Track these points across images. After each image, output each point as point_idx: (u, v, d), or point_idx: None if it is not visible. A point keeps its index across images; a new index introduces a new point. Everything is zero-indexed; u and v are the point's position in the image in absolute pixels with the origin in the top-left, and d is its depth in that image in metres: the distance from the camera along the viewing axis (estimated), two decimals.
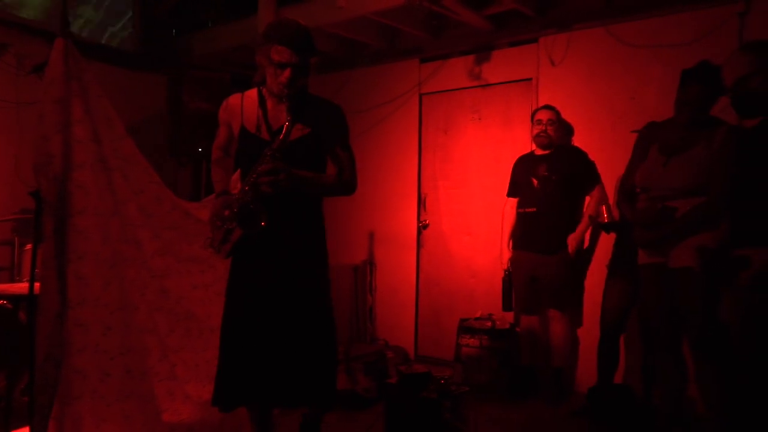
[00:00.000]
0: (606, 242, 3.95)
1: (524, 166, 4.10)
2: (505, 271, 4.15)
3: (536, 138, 4.01)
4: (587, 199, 4.03)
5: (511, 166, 4.23)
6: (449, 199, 4.94)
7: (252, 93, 2.39)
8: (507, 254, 4.16)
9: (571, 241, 3.89)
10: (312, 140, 2.29)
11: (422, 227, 5.04)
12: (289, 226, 2.30)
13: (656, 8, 3.89)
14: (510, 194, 4.21)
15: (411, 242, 5.07)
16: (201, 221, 2.91)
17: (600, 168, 4.05)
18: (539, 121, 3.98)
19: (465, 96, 4.83)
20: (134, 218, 2.65)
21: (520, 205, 4.08)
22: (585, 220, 3.94)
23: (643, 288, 3.05)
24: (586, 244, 4.10)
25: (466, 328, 4.28)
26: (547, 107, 4.03)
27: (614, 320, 3.67)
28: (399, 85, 5.14)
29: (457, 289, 4.84)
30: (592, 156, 4.06)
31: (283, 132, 2.19)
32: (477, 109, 4.78)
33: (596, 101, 4.15)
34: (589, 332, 4.00)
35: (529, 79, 4.48)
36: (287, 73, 2.20)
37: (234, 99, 2.42)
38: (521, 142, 4.48)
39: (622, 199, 3.11)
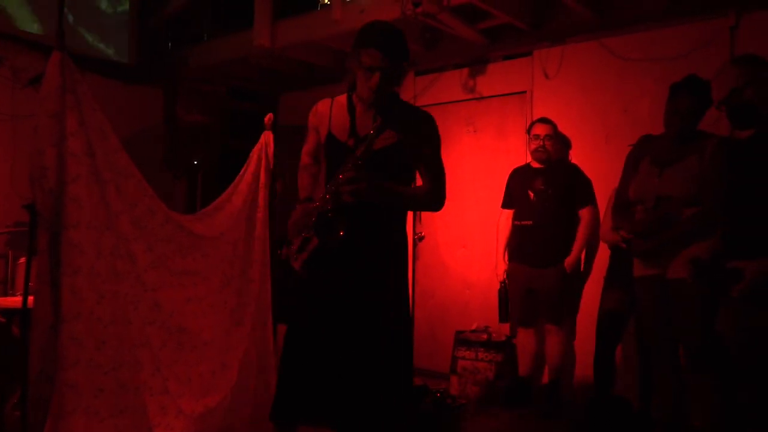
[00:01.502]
0: (603, 254, 3.95)
1: (520, 179, 4.11)
2: (501, 282, 4.15)
3: (534, 153, 4.02)
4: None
5: (506, 178, 4.24)
6: (445, 212, 4.88)
7: (342, 98, 2.31)
8: (503, 266, 4.16)
9: (568, 264, 3.89)
10: (400, 149, 2.18)
11: (418, 239, 5.04)
12: (369, 238, 2.18)
13: (648, 22, 3.93)
14: (505, 206, 4.21)
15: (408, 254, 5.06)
16: (194, 234, 2.91)
17: (594, 181, 4.06)
18: (537, 136, 4.00)
19: (460, 108, 4.85)
20: (128, 232, 2.64)
21: (516, 218, 4.08)
22: (579, 242, 3.92)
23: (639, 300, 3.05)
24: (583, 263, 4.10)
25: (462, 340, 4.27)
26: (544, 120, 4.04)
27: (610, 331, 3.66)
28: None
29: (453, 302, 4.83)
30: (586, 168, 4.08)
31: (368, 140, 2.11)
32: (472, 122, 4.80)
33: (590, 114, 4.18)
34: (587, 344, 3.99)
35: (524, 92, 4.51)
36: (376, 77, 2.10)
37: (323, 104, 2.35)
38: (516, 154, 4.49)
39: (617, 212, 3.13)
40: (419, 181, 2.31)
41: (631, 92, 4.01)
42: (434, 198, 2.26)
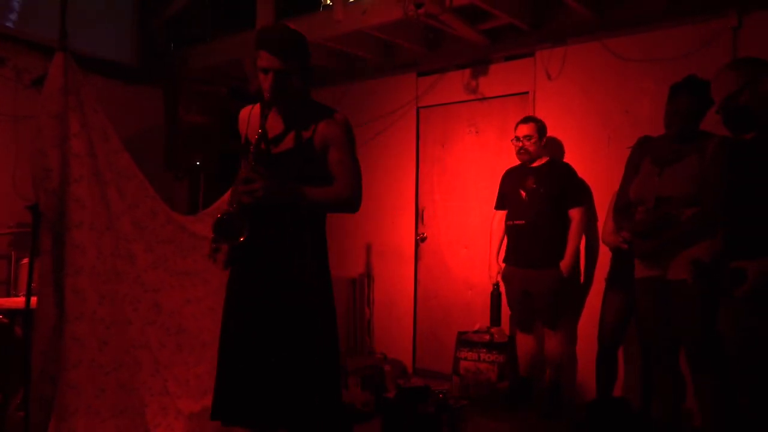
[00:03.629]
0: (604, 255, 3.97)
1: (513, 178, 4.12)
2: (494, 285, 4.16)
3: (518, 155, 4.05)
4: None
5: None
6: (447, 212, 4.96)
7: (258, 105, 2.35)
8: (495, 267, 4.17)
9: (563, 266, 3.88)
10: (306, 150, 2.21)
11: (420, 240, 5.06)
12: (277, 238, 2.22)
13: (649, 22, 3.95)
14: (498, 206, 4.22)
15: (409, 255, 5.09)
16: (196, 235, 2.94)
17: (595, 182, 4.07)
18: (516, 138, 4.02)
19: (462, 109, 4.88)
20: (128, 232, 2.67)
21: (509, 218, 4.09)
22: (571, 244, 3.91)
23: (639, 301, 3.07)
24: (583, 273, 4.10)
25: (464, 341, 4.28)
26: (526, 120, 4.06)
27: (612, 334, 3.68)
28: (396, 99, 5.18)
29: (455, 302, 4.85)
30: (588, 170, 4.09)
31: (255, 139, 2.14)
32: (474, 123, 4.82)
33: (592, 115, 4.20)
34: (588, 345, 4.00)
35: (526, 93, 4.53)
36: (270, 78, 2.15)
37: (244, 111, 2.41)
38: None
39: (618, 213, 3.14)
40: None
41: (632, 93, 4.02)
42: (344, 198, 2.23)
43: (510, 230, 4.07)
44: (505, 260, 4.13)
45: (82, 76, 2.52)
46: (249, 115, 2.36)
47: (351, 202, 2.26)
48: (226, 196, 3.33)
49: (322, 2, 5.21)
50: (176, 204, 5.11)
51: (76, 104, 2.48)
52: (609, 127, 4.12)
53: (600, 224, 4.05)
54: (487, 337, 4.21)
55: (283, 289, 2.22)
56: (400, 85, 5.16)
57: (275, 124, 2.25)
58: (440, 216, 5.00)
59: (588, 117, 4.21)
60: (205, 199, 4.72)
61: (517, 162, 4.17)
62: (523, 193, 3.98)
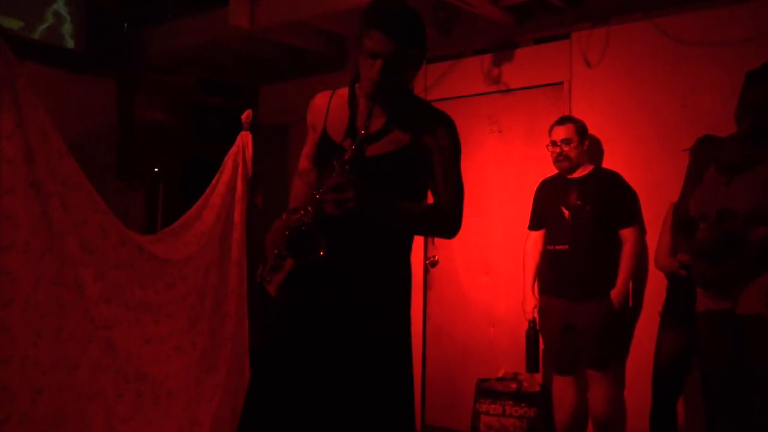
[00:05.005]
0: (658, 284, 3.96)
1: (551, 193, 4.12)
2: (530, 322, 4.14)
3: (556, 163, 4.06)
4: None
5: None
6: (463, 230, 4.84)
7: (344, 91, 2.32)
8: (531, 301, 4.15)
9: (615, 297, 3.89)
10: (406, 157, 2.19)
11: (430, 265, 5.05)
12: (363, 265, 2.17)
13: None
14: (533, 227, 4.23)
15: (416, 283, 5.06)
16: (157, 258, 2.93)
17: (646, 192, 4.07)
18: (553, 143, 4.04)
19: (481, 104, 4.89)
20: (74, 255, 2.67)
21: (548, 241, 4.09)
22: (624, 270, 3.91)
23: (703, 340, 3.06)
24: (631, 296, 4.10)
25: (485, 390, 4.25)
26: (562, 121, 4.07)
27: (669, 378, 3.67)
28: None
29: (474, 342, 4.83)
30: (637, 178, 4.09)
31: (359, 140, 2.11)
32: (496, 120, 4.83)
33: (641, 110, 4.21)
34: (640, 393, 3.98)
35: (560, 83, 4.54)
36: (378, 65, 2.10)
37: (321, 97, 2.36)
38: (550, 160, 4.50)
39: (675, 232, 3.14)
40: (431, 200, 2.31)
41: (691, 83, 4.04)
42: (448, 221, 2.25)
43: (549, 256, 4.07)
44: (541, 291, 4.13)
45: (19, 65, 2.53)
46: (329, 104, 2.32)
47: (452, 225, 2.26)
48: (194, 210, 3.34)
49: None
50: (131, 220, 5.11)
51: (10, 99, 2.48)
52: (662, 125, 4.13)
53: (652, 243, 4.04)
54: (515, 385, 4.18)
55: (357, 334, 2.16)
56: None
57: (372, 122, 2.19)
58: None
59: (636, 113, 4.22)
60: (166, 215, 4.71)
61: (553, 170, 4.17)
62: (566, 212, 3.99)
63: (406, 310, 2.29)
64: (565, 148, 4.00)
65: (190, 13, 5.41)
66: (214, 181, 3.33)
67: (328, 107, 2.31)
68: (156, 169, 4.73)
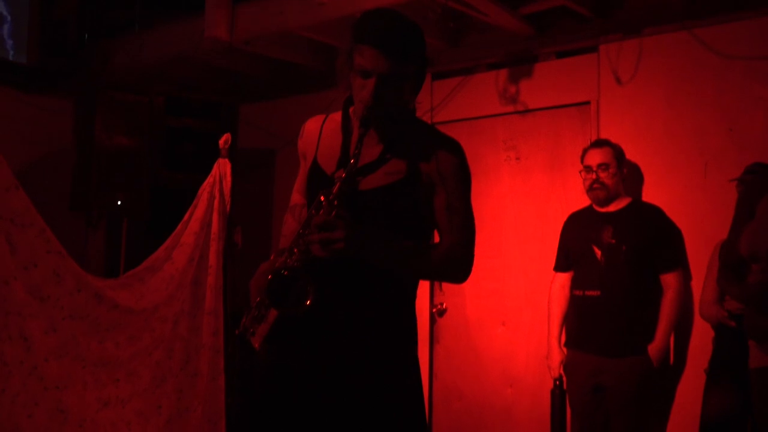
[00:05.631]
0: (703, 337, 3.94)
1: (582, 228, 4.13)
2: (555, 380, 4.12)
3: (589, 192, 4.06)
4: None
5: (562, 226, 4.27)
6: (476, 274, 4.84)
7: (338, 115, 2.35)
8: (558, 356, 4.13)
9: (654, 352, 3.87)
10: (406, 189, 2.19)
11: (437, 314, 5.04)
12: (355, 315, 2.18)
13: (759, 6, 4.01)
14: (560, 268, 4.23)
15: (421, 335, 4.97)
16: (119, 307, 2.92)
17: (689, 230, 4.08)
18: (588, 168, 4.04)
19: (496, 126, 4.92)
20: (21, 304, 2.66)
21: (576, 285, 4.09)
22: (665, 322, 3.90)
23: (757, 401, 3.05)
24: (672, 352, 4.08)
25: None
26: (599, 144, 4.09)
27: None
28: None
29: (490, 405, 4.80)
30: (676, 212, 4.10)
31: (348, 170, 2.11)
32: (513, 145, 4.86)
33: (680, 133, 4.22)
34: None
35: (587, 103, 4.58)
36: (370, 84, 2.12)
37: (312, 123, 2.40)
38: (576, 191, 4.52)
39: (723, 275, 3.13)
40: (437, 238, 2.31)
41: (737, 103, 4.07)
42: (456, 263, 2.25)
43: (578, 303, 4.06)
44: (568, 344, 4.12)
45: None
46: (321, 130, 2.35)
47: (461, 268, 2.27)
48: (162, 250, 3.33)
49: None
50: (90, 261, 5.11)
51: None
52: (706, 150, 4.14)
53: (696, 290, 4.03)
54: None
55: (355, 392, 2.16)
56: None
57: (365, 150, 2.19)
58: (467, 279, 4.97)
59: (675, 137, 4.24)
60: (131, 255, 4.71)
61: (581, 203, 4.17)
62: (598, 251, 3.98)
63: (414, 369, 2.28)
64: (602, 175, 4.01)
65: (159, 23, 5.45)
66: (186, 217, 3.34)
67: (320, 134, 2.33)
68: (119, 202, 4.73)
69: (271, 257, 2.25)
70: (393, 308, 2.24)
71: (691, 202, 4.14)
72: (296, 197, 2.45)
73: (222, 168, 3.43)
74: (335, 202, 2.07)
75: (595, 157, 4.03)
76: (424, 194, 2.22)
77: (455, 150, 2.28)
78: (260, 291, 2.15)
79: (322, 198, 2.10)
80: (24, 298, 2.63)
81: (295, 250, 2.11)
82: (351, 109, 2.30)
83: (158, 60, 5.35)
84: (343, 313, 2.17)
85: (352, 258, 2.08)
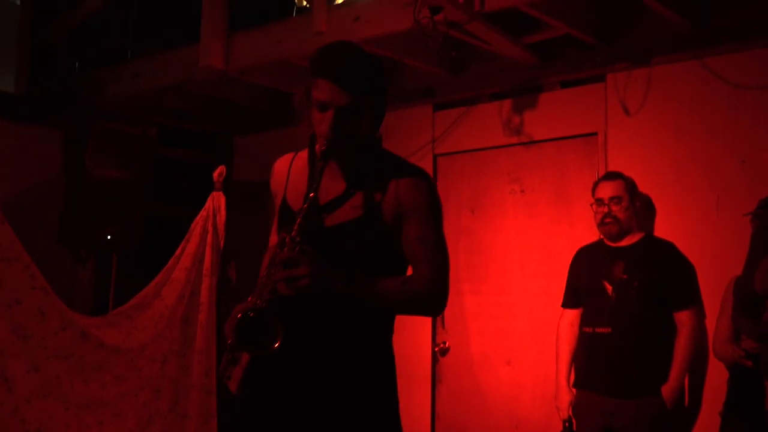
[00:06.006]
0: (720, 377, 3.90)
1: (591, 264, 4.11)
2: (565, 422, 4.08)
3: (601, 226, 4.05)
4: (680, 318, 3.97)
5: (569, 262, 4.25)
6: (480, 311, 4.92)
7: (305, 153, 2.41)
8: (567, 396, 4.10)
9: (668, 393, 3.83)
10: (373, 222, 2.24)
11: (440, 352, 5.01)
12: (327, 354, 2.22)
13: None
14: (568, 304, 4.21)
15: (423, 375, 5.01)
16: (105, 346, 2.90)
17: (700, 264, 4.06)
18: (600, 201, 4.03)
19: (499, 158, 4.92)
20: (4, 342, 2.63)
21: (586, 322, 4.06)
22: (679, 362, 3.87)
23: None
24: (687, 393, 4.04)
25: None
26: (611, 176, 4.09)
27: None
28: (404, 142, 5.22)
29: None
30: (687, 247, 4.08)
31: (308, 204, 2.15)
32: (517, 178, 4.86)
33: (690, 167, 4.22)
34: None
35: (594, 134, 4.58)
36: (329, 117, 2.18)
37: (281, 162, 2.47)
38: (584, 226, 4.52)
39: (738, 313, 3.11)
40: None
41: (750, 134, 4.06)
42: (428, 294, 2.26)
43: (588, 341, 4.03)
44: (577, 384, 4.08)
45: None
46: (289, 168, 2.41)
47: (434, 300, 2.29)
48: (152, 286, 3.31)
49: (296, 4, 5.35)
50: (77, 298, 5.08)
51: None
52: (717, 183, 4.14)
53: (712, 328, 4.01)
54: None
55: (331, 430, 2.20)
56: (408, 122, 5.22)
57: (330, 183, 2.27)
58: (470, 316, 4.95)
59: (685, 170, 4.24)
60: (120, 291, 4.68)
61: (589, 237, 4.15)
62: (609, 287, 3.96)
63: (392, 404, 2.31)
64: (615, 208, 3.99)
65: (152, 52, 5.48)
66: (178, 251, 3.32)
67: (288, 172, 2.40)
68: (109, 236, 4.72)
69: (249, 299, 2.26)
70: (366, 342, 2.27)
71: (703, 236, 4.12)
72: (273, 238, 2.49)
73: (216, 201, 3.43)
74: (297, 238, 2.12)
75: (608, 190, 4.02)
76: (393, 227, 2.25)
77: (422, 180, 2.31)
78: (230, 334, 2.17)
79: (285, 235, 2.15)
80: (6, 336, 2.62)
81: (264, 290, 2.15)
82: (317, 146, 2.33)
83: (152, 89, 5.35)
84: (315, 350, 2.20)
85: (320, 294, 2.12)
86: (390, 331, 2.34)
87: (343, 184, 2.26)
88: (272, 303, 2.12)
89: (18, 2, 5.52)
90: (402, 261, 2.30)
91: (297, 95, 2.29)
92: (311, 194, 2.15)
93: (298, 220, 2.13)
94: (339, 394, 2.20)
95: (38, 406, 2.71)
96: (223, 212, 3.51)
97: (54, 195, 4.90)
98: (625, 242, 4.04)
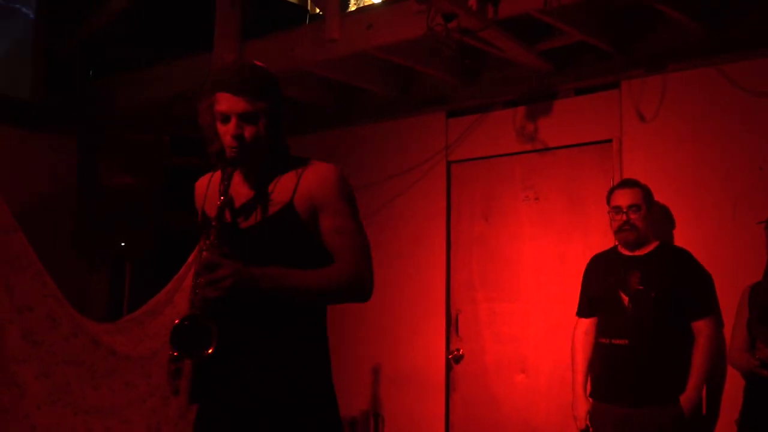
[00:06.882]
0: (737, 386, 3.88)
1: (606, 273, 4.09)
2: None
3: (618, 233, 4.02)
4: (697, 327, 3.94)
5: (584, 270, 4.24)
6: (494, 319, 4.91)
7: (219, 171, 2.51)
8: (584, 406, 4.08)
9: (686, 403, 3.81)
10: (287, 218, 2.36)
11: (453, 360, 5.00)
12: (261, 350, 2.32)
13: None
14: (583, 313, 4.19)
15: (437, 383, 5.01)
16: (116, 353, 2.91)
17: (716, 272, 4.03)
18: (617, 209, 4.01)
19: (513, 165, 4.92)
20: (16, 349, 2.65)
21: (602, 333, 4.04)
22: (697, 371, 3.84)
23: None
24: (705, 402, 4.02)
25: None
26: (628, 184, 4.07)
27: None
28: (416, 149, 5.24)
29: None
30: (703, 256, 4.05)
31: (217, 210, 2.28)
32: (531, 185, 4.85)
33: (707, 174, 4.20)
34: None
35: (609, 141, 4.57)
36: (232, 125, 2.32)
37: (200, 182, 2.60)
38: (598, 233, 4.51)
39: (754, 322, 3.09)
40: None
41: (767, 141, 4.04)
42: (347, 280, 2.36)
43: (603, 352, 4.01)
44: (594, 394, 4.07)
45: None
46: (208, 185, 2.53)
47: (358, 285, 2.39)
48: (164, 293, 3.33)
49: (309, 12, 5.37)
50: (90, 305, 5.11)
51: None
52: (734, 191, 4.12)
53: (728, 335, 3.98)
54: None
55: (272, 426, 2.28)
56: (421, 129, 5.23)
57: (242, 189, 2.41)
58: (484, 323, 4.94)
59: (701, 176, 4.22)
60: (133, 298, 4.70)
61: (603, 244, 4.14)
62: (625, 298, 3.94)
63: (328, 398, 2.39)
64: (633, 216, 3.97)
65: (165, 60, 5.50)
66: (190, 259, 3.33)
67: (207, 188, 2.53)
68: (122, 244, 4.74)
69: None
70: (298, 334, 2.36)
71: (719, 244, 4.10)
72: None
73: None
74: (215, 242, 2.24)
75: (626, 198, 4.00)
76: (309, 222, 2.37)
77: (330, 172, 2.42)
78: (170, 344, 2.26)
79: (203, 240, 2.27)
80: (18, 342, 2.63)
81: (195, 298, 2.22)
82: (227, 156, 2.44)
83: (165, 98, 5.39)
84: (250, 347, 2.31)
85: (245, 293, 2.21)
86: (322, 321, 2.44)
87: (254, 188, 2.39)
88: (204, 309, 2.18)
89: (32, 16, 5.57)
90: (324, 254, 2.39)
91: (201, 114, 2.41)
92: (221, 197, 2.28)
93: (213, 224, 2.25)
94: (276, 386, 2.30)
95: (48, 412, 2.72)
96: None
97: (68, 202, 4.92)
98: (641, 251, 4.02)
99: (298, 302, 2.34)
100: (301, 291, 2.32)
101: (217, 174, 2.47)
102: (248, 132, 2.33)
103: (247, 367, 2.30)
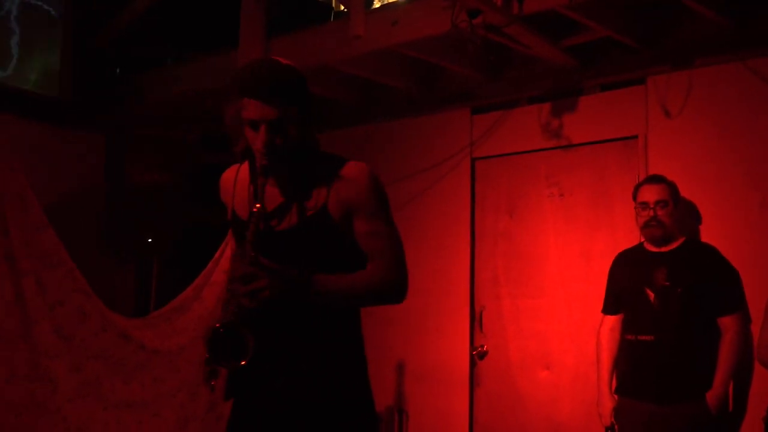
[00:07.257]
0: (765, 383, 3.86)
1: (632, 269, 4.08)
2: (608, 429, 4.06)
3: (645, 229, 4.01)
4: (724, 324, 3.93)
5: (609, 266, 4.23)
6: (518, 315, 4.91)
7: (246, 165, 2.48)
8: (609, 403, 4.07)
9: (712, 399, 3.79)
10: (321, 222, 2.33)
11: (478, 356, 5.01)
12: (298, 356, 2.31)
13: None
14: (608, 310, 4.18)
15: (461, 379, 5.02)
16: (145, 348, 2.94)
17: (743, 268, 4.01)
18: (644, 204, 3.99)
19: (538, 161, 4.92)
20: (48, 344, 2.68)
21: (628, 329, 4.03)
22: (723, 368, 3.83)
23: None
24: (731, 399, 4.00)
25: None
26: (655, 180, 4.05)
27: None
28: (441, 146, 5.24)
29: None
30: (730, 252, 4.03)
31: (252, 219, 2.22)
32: (556, 181, 4.84)
33: (733, 169, 4.18)
34: None
35: (634, 137, 4.56)
36: (262, 133, 2.27)
37: (227, 174, 2.54)
38: (624, 230, 4.50)
39: None
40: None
41: None
42: (387, 284, 2.37)
43: (630, 348, 4.00)
44: (619, 390, 4.06)
45: None
46: (235, 181, 2.48)
47: (394, 288, 2.40)
48: (192, 288, 3.36)
49: (333, 9, 5.39)
50: (119, 300, 5.15)
51: None
52: (761, 187, 4.09)
53: (755, 331, 3.96)
54: None
55: (312, 428, 2.30)
56: (445, 126, 5.24)
57: (274, 193, 2.36)
58: (508, 320, 4.94)
59: (728, 172, 4.20)
60: (161, 294, 4.74)
61: (628, 241, 4.13)
62: (651, 294, 3.93)
63: (367, 400, 2.42)
64: (660, 212, 3.95)
65: (192, 57, 5.53)
66: (217, 255, 3.36)
67: (234, 183, 2.47)
68: (150, 240, 4.78)
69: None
70: (334, 338, 2.36)
71: (746, 239, 4.08)
72: (233, 244, 2.57)
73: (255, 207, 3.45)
74: (252, 252, 2.18)
75: (653, 194, 3.98)
76: (343, 225, 2.34)
77: (363, 173, 2.38)
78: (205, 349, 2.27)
79: (239, 249, 2.27)
80: (50, 337, 2.66)
81: (229, 305, 2.22)
82: (257, 161, 2.41)
83: (192, 94, 5.42)
84: (287, 353, 2.30)
85: (282, 302, 2.20)
86: (357, 323, 2.44)
87: (287, 191, 2.35)
88: (239, 316, 2.17)
89: (58, 15, 5.62)
90: (360, 256, 2.37)
91: (227, 116, 2.35)
92: (257, 205, 2.23)
93: (249, 232, 2.20)
94: (315, 389, 2.29)
95: (80, 404, 2.75)
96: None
97: (97, 198, 4.95)
98: (667, 247, 4.00)
99: (331, 306, 2.33)
100: (348, 296, 2.33)
101: (244, 168, 2.46)
102: (279, 139, 2.27)
103: (286, 370, 2.30)
